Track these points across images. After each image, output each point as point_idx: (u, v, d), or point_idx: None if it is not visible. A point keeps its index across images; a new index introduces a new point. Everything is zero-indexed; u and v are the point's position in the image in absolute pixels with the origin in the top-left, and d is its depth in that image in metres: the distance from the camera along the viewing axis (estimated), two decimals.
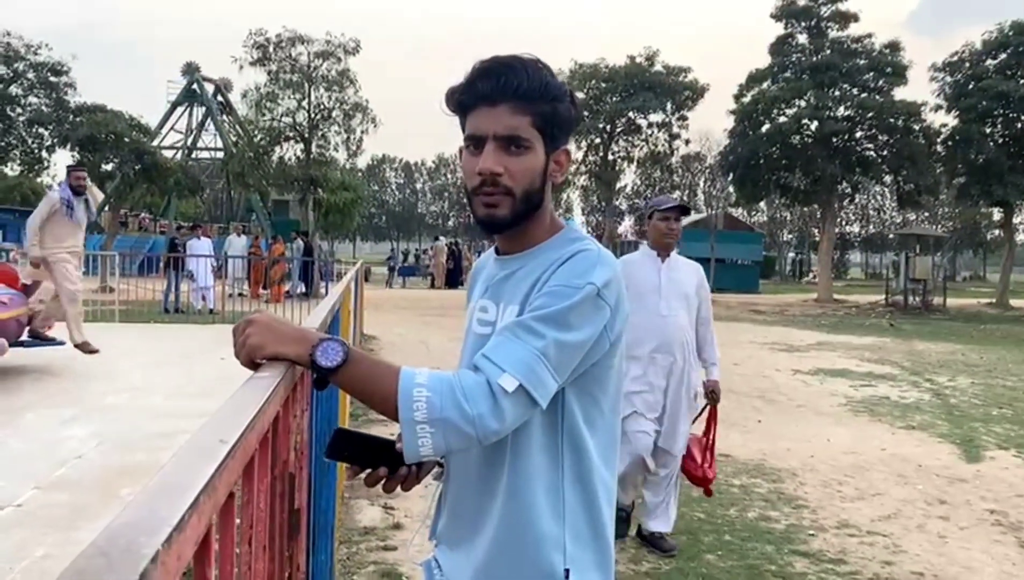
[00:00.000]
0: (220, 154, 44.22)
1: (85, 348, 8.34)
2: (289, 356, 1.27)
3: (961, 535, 4.73)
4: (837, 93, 30.19)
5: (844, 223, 66.45)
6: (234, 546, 0.95)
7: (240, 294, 18.22)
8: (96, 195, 8.78)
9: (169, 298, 16.43)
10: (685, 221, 6.16)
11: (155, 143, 41.57)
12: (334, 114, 31.51)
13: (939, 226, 64.95)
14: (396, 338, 13.01)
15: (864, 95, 29.97)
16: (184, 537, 0.66)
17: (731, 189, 32.84)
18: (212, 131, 47.55)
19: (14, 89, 32.91)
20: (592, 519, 1.42)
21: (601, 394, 1.43)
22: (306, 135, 31.23)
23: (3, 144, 32.93)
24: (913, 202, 33.79)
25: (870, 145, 30.60)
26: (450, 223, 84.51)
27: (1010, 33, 27.88)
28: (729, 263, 36.94)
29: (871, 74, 30.11)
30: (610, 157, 43.34)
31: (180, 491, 0.70)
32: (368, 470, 1.41)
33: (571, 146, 1.53)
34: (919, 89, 36.69)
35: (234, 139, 35.73)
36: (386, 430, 1.39)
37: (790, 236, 74.63)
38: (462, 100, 1.43)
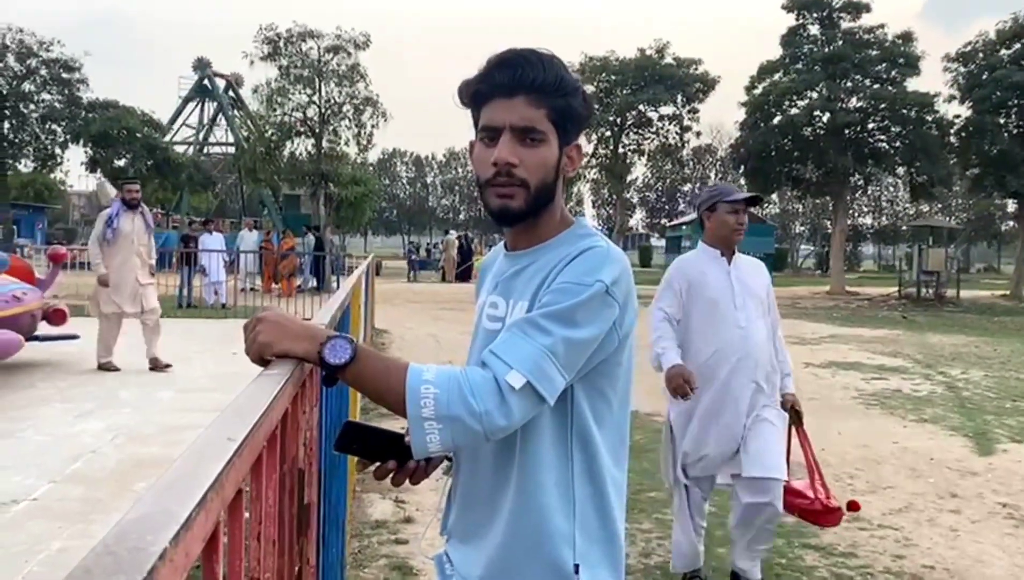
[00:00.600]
0: (232, 149, 44.45)
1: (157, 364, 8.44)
2: (298, 353, 1.28)
3: (973, 528, 4.70)
4: (849, 84, 30.00)
5: (857, 215, 66.06)
6: (243, 541, 0.96)
7: (252, 289, 18.31)
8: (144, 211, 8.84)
9: (182, 293, 16.52)
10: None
11: (167, 139, 41.85)
12: (344, 109, 31.60)
13: (952, 218, 64.46)
14: (406, 332, 13.04)
15: (877, 86, 29.77)
16: (192, 534, 0.67)
17: (743, 181, 32.58)
18: (224, 126, 47.87)
19: (27, 85, 33.15)
20: (602, 514, 1.43)
21: (610, 390, 1.43)
22: (317, 130, 31.33)
23: (17, 141, 33.16)
24: (926, 194, 33.58)
25: (883, 136, 30.39)
26: (461, 217, 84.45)
27: None
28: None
29: (883, 65, 29.88)
30: (620, 150, 43.31)
31: (188, 489, 0.71)
32: (377, 463, 1.42)
33: (582, 141, 1.53)
34: (932, 80, 36.38)
35: (245, 134, 35.82)
36: (396, 424, 1.39)
37: (802, 228, 74.28)
38: (479, 90, 1.42)
